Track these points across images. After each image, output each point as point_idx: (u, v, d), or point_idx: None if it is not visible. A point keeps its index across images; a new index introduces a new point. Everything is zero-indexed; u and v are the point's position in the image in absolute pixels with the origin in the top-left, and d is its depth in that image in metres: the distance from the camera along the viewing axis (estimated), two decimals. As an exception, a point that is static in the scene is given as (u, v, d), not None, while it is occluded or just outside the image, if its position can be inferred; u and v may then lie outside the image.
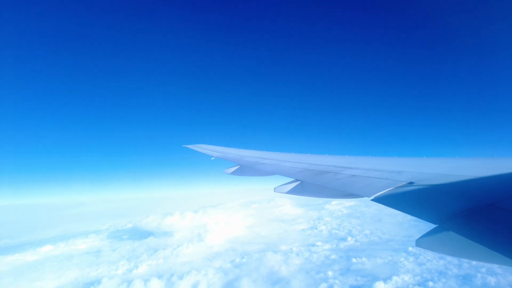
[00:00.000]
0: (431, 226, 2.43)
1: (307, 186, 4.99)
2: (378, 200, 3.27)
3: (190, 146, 12.60)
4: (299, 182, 5.12)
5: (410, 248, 63.77)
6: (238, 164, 7.79)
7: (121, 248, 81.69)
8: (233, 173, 7.45)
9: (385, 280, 50.19)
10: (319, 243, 75.36)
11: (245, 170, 7.37)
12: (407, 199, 3.13)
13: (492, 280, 47.11)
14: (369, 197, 3.43)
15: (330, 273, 55.23)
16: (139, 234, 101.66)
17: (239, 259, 67.43)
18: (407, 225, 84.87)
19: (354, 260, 61.11)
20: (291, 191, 5.08)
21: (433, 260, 56.22)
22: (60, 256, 78.85)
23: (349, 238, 78.39)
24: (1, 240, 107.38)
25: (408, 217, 2.81)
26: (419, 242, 2.33)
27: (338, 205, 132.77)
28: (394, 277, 51.14)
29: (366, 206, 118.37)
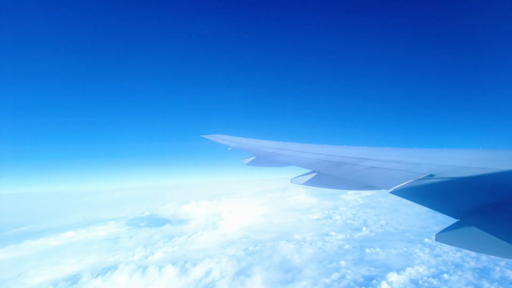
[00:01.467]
0: (449, 217, 2.40)
1: (324, 177, 4.96)
2: (397, 192, 3.24)
3: (207, 136, 12.69)
4: (316, 173, 5.09)
5: (426, 240, 62.66)
6: (255, 155, 7.80)
7: (138, 235, 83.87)
8: (250, 163, 7.49)
9: (398, 271, 49.65)
10: (333, 233, 74.89)
11: (262, 160, 7.38)
12: (428, 193, 3.07)
13: (511, 274, 45.94)
14: (387, 189, 3.39)
15: (342, 263, 55.01)
16: (156, 221, 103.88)
17: (252, 247, 67.94)
18: (424, 216, 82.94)
19: (367, 250, 60.55)
20: (308, 183, 5.05)
21: (450, 252, 55.04)
22: (81, 241, 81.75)
23: (364, 229, 77.52)
24: (26, 225, 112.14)
25: (426, 208, 2.77)
26: (439, 237, 2.27)
27: (354, 195, 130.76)
28: (408, 269, 50.47)
29: (383, 196, 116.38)
